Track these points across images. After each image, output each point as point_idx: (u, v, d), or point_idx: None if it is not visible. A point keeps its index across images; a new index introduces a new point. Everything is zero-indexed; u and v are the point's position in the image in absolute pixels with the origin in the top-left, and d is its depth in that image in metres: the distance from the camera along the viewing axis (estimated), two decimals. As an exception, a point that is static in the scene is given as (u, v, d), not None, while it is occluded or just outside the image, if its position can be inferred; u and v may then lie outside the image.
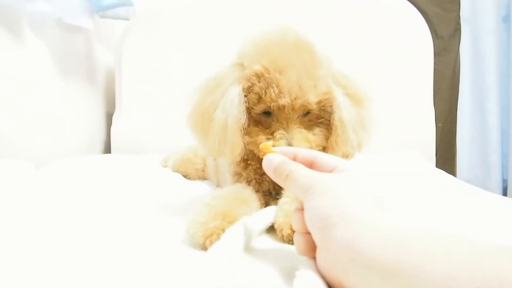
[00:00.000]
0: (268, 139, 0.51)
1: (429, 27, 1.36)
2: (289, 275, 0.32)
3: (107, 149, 1.43)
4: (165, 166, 1.03)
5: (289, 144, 0.49)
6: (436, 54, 1.38)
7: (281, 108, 0.51)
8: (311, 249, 0.31)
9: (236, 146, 0.52)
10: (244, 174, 0.58)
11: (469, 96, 1.75)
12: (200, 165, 0.91)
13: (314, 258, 0.31)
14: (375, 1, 1.38)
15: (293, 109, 0.51)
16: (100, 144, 1.42)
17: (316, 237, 0.30)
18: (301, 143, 0.50)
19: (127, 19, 1.39)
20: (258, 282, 0.32)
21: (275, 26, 0.54)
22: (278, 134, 0.51)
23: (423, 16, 1.36)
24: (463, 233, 0.24)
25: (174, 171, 0.95)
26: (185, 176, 0.92)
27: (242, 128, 0.52)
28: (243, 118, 0.51)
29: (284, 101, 0.49)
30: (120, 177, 0.86)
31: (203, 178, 0.91)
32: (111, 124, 1.41)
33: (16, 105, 0.96)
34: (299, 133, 0.51)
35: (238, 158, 0.55)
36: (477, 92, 1.74)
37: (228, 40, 0.57)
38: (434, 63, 1.37)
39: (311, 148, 0.51)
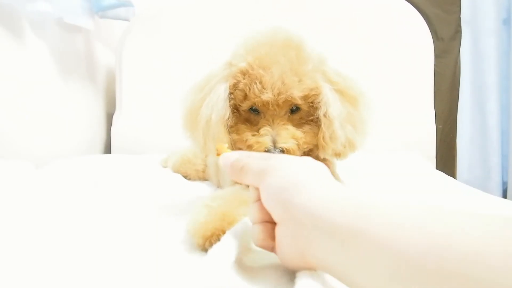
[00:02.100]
0: (253, 135, 0.51)
1: (430, 29, 1.35)
2: (289, 275, 0.32)
3: (107, 149, 1.43)
4: (165, 167, 1.02)
5: (274, 141, 0.49)
6: (436, 56, 1.38)
7: (266, 104, 0.50)
8: (269, 237, 0.31)
9: (220, 141, 0.52)
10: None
11: (470, 97, 1.75)
12: (200, 166, 0.91)
13: (271, 249, 0.31)
14: (375, 1, 1.38)
15: (278, 105, 0.50)
16: (100, 144, 1.42)
17: (276, 213, 0.30)
18: (287, 140, 0.50)
19: (127, 20, 1.39)
20: (258, 282, 0.32)
21: (267, 26, 0.54)
22: (263, 130, 0.50)
23: (423, 17, 1.36)
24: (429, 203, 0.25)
25: (174, 171, 0.95)
26: (185, 177, 0.92)
27: (227, 125, 0.52)
28: (227, 113, 0.51)
29: (267, 96, 0.49)
30: (120, 177, 0.86)
31: (204, 179, 0.91)
32: (111, 124, 1.41)
33: (16, 105, 0.96)
34: (285, 129, 0.50)
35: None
36: (478, 94, 1.74)
37: (228, 40, 0.57)
38: (435, 64, 1.36)
39: (298, 145, 0.51)
